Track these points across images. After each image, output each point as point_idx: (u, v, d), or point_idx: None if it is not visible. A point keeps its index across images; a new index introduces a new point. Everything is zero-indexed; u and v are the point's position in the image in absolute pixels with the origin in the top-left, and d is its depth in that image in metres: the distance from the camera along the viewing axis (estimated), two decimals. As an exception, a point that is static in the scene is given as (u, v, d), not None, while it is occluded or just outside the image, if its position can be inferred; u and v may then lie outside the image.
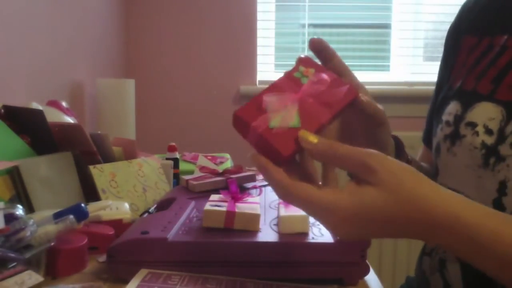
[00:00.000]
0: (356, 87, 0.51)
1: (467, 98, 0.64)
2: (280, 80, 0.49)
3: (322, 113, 0.46)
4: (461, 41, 0.71)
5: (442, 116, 0.68)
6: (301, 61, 0.50)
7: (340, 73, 0.53)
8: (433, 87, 0.80)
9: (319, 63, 0.53)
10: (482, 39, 0.67)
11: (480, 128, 0.60)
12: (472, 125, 0.61)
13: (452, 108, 0.66)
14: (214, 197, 0.65)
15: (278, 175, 0.42)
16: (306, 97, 0.47)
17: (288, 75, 0.49)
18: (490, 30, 0.66)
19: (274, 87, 0.48)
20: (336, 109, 0.47)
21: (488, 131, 0.59)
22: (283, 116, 0.45)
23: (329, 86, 0.48)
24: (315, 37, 0.53)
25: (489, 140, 0.59)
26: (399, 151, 0.63)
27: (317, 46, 0.52)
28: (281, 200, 0.66)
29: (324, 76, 0.49)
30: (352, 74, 0.54)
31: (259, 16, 2.01)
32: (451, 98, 0.67)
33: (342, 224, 0.42)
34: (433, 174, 0.72)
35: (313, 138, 0.43)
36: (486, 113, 0.60)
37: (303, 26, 2.08)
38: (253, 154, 0.44)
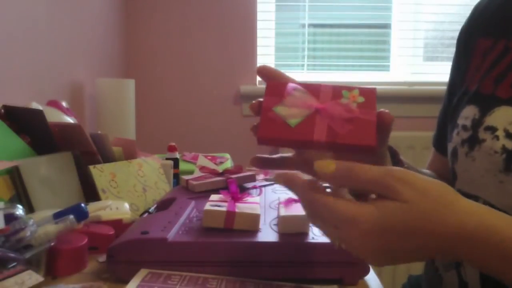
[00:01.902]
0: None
1: (485, 102, 0.63)
2: (325, 86, 0.48)
3: (321, 135, 0.45)
4: (475, 44, 0.70)
5: (457, 120, 0.67)
6: (365, 90, 0.48)
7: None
8: (433, 87, 0.79)
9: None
10: (497, 41, 0.66)
11: (500, 132, 0.59)
12: (492, 129, 0.61)
13: (469, 112, 0.65)
14: (214, 197, 0.65)
15: (304, 186, 0.43)
16: (324, 113, 0.46)
17: (337, 88, 0.48)
18: (506, 32, 0.65)
19: (311, 87, 0.48)
20: (336, 140, 0.45)
21: (509, 135, 0.59)
22: (291, 111, 0.46)
23: (355, 120, 0.45)
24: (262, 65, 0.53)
25: (510, 145, 0.58)
26: (395, 161, 0.63)
27: (265, 73, 0.52)
28: (281, 200, 0.66)
29: (359, 108, 0.46)
30: None
31: (259, 16, 2.01)
32: (467, 102, 0.66)
33: (363, 238, 0.40)
34: (449, 179, 0.70)
35: (329, 165, 0.42)
36: (506, 117, 0.60)
37: (303, 26, 2.08)
38: (276, 174, 0.46)
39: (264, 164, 0.57)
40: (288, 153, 0.60)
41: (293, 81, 0.51)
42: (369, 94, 0.47)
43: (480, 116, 0.63)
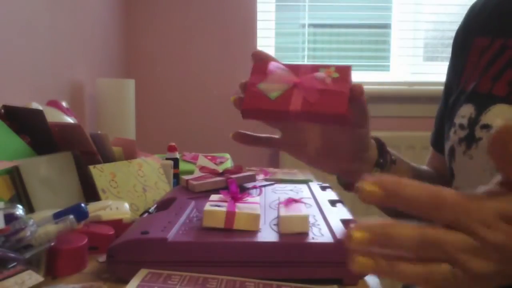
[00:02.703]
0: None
1: (482, 101, 0.63)
2: (304, 65, 0.54)
3: (296, 105, 0.50)
4: (471, 43, 0.70)
5: (454, 119, 0.67)
6: (340, 67, 0.53)
7: None
8: (433, 87, 0.79)
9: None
10: (494, 40, 0.66)
11: None
12: (488, 127, 0.61)
13: (466, 110, 0.65)
14: (214, 197, 0.65)
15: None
16: (301, 86, 0.51)
17: (315, 66, 0.54)
18: (503, 31, 0.65)
19: (292, 66, 0.54)
20: (309, 109, 0.50)
21: None
22: (271, 86, 0.52)
23: (328, 92, 0.51)
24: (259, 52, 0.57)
25: None
26: (382, 152, 0.63)
27: (257, 56, 0.56)
28: (281, 200, 0.66)
29: (333, 82, 0.52)
30: None
31: (259, 16, 2.01)
32: (464, 101, 0.66)
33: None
34: (447, 177, 0.70)
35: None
36: (502, 115, 0.59)
37: (303, 26, 2.08)
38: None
39: (248, 141, 0.60)
40: (276, 135, 0.62)
41: (277, 61, 0.56)
42: (344, 71, 0.53)
43: (476, 115, 0.63)
